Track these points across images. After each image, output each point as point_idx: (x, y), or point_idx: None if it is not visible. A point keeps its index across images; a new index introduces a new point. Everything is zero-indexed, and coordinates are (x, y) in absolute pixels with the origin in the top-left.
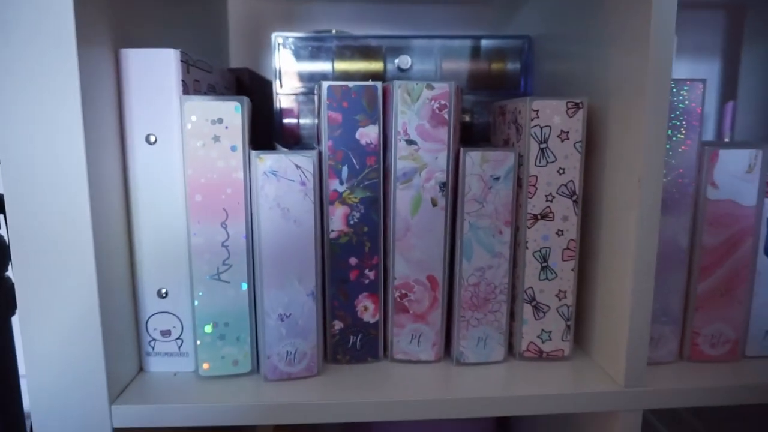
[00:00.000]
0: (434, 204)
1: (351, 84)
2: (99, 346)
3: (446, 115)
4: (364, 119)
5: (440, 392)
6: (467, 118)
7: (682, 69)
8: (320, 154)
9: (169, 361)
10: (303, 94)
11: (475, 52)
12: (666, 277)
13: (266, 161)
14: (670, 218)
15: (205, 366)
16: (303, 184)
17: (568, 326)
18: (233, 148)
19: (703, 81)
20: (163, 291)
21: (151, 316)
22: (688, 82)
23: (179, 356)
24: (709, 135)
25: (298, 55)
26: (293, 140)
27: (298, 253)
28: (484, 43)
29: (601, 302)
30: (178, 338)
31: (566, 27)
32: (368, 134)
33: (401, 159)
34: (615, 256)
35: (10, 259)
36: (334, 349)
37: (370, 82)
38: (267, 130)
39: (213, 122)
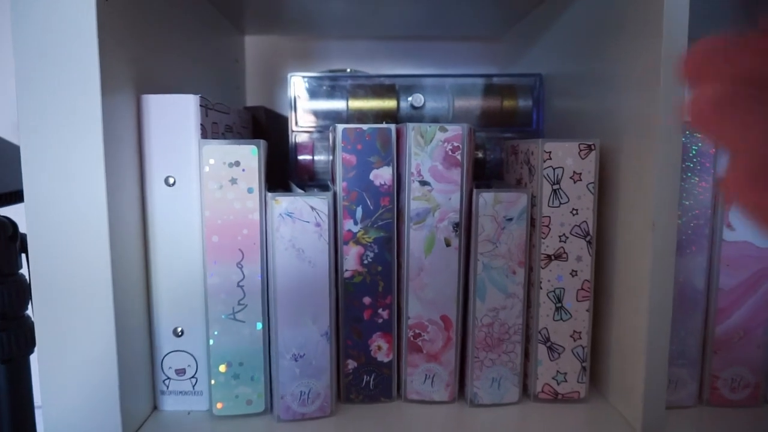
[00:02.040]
0: (447, 244)
1: (365, 126)
2: (115, 385)
3: (459, 157)
4: (378, 161)
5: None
6: (480, 155)
7: None
8: (335, 194)
9: (184, 399)
10: (318, 131)
11: (488, 90)
12: (683, 319)
13: (282, 203)
14: (685, 259)
15: (219, 405)
16: (318, 225)
17: (584, 368)
18: (250, 190)
19: None
20: (179, 330)
21: (167, 354)
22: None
23: (193, 395)
24: None
25: (312, 94)
26: (307, 176)
27: (313, 293)
28: (495, 80)
29: (617, 344)
30: (193, 377)
31: (576, 66)
32: (382, 175)
33: (415, 200)
34: (630, 297)
35: (30, 298)
36: (348, 388)
37: (383, 125)
38: (282, 167)
39: (230, 165)
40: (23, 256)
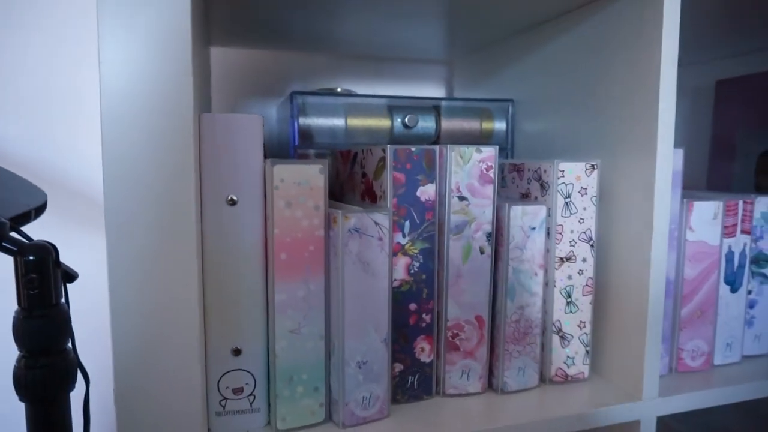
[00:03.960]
0: (482, 252)
1: (413, 147)
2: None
3: (492, 175)
4: (423, 178)
5: (494, 420)
6: None
7: None
8: (390, 210)
9: (240, 419)
10: (321, 148)
11: (468, 112)
12: None
13: (351, 219)
14: None
15: (283, 419)
16: (380, 239)
17: (587, 351)
18: (317, 208)
19: (681, 149)
20: (238, 348)
21: (224, 374)
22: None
23: (251, 413)
24: None
25: (313, 112)
26: None
27: (375, 303)
28: (475, 104)
29: (614, 329)
30: (251, 394)
31: (552, 90)
32: (427, 192)
33: (454, 213)
34: (628, 289)
35: (72, 332)
36: (395, 390)
37: (429, 146)
38: None
39: (299, 184)
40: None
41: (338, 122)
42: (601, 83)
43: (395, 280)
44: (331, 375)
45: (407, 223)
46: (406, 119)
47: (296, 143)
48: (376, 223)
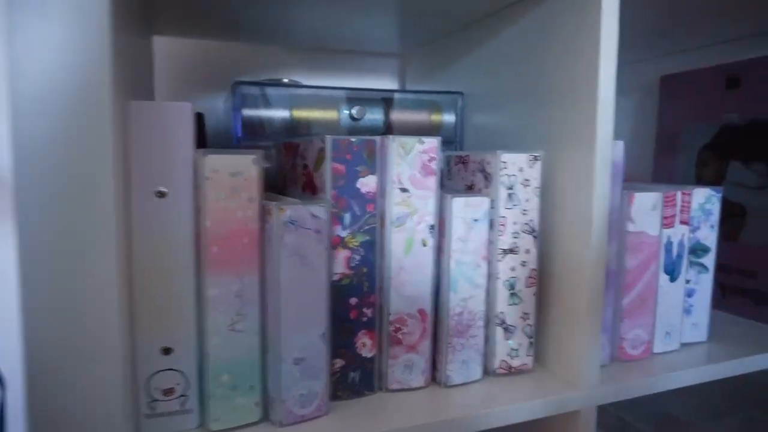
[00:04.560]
0: (424, 244)
1: (354, 138)
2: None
3: (434, 166)
4: (364, 170)
5: (437, 414)
6: None
7: None
8: (329, 202)
9: (171, 421)
10: (263, 139)
11: (417, 105)
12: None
13: (286, 212)
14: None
15: (217, 419)
16: (318, 231)
17: (531, 343)
18: (251, 200)
19: (621, 141)
20: (168, 347)
21: (153, 375)
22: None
23: (183, 414)
24: None
25: (257, 103)
26: None
27: (313, 298)
28: (424, 97)
29: (557, 319)
30: (182, 395)
31: (499, 83)
32: (368, 183)
33: (396, 205)
34: (570, 280)
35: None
36: (335, 386)
37: (369, 137)
38: None
39: (232, 175)
40: None
41: (283, 114)
42: (543, 76)
43: (335, 273)
44: (267, 372)
45: (347, 216)
46: (353, 111)
47: (240, 135)
48: (314, 216)
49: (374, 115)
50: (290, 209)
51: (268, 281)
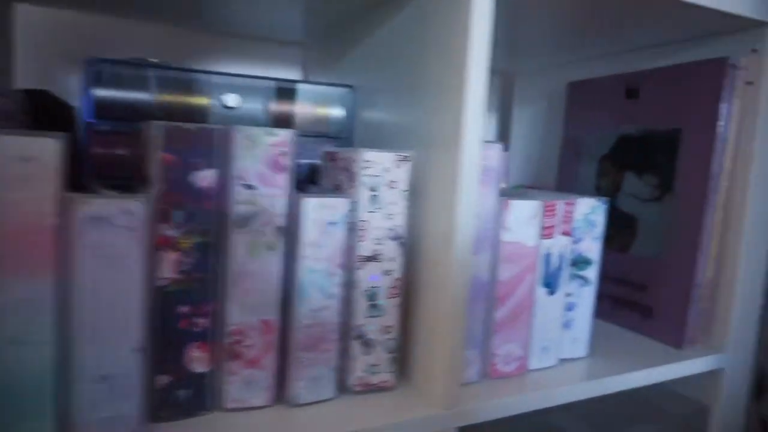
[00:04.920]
0: (271, 248)
1: (192, 126)
2: None
3: (285, 162)
4: (202, 162)
5: None
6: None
7: None
8: (150, 196)
9: None
10: (119, 124)
11: (303, 96)
12: (472, 308)
13: (89, 206)
14: (476, 257)
15: None
16: (132, 229)
17: (393, 358)
18: (47, 191)
19: (500, 143)
20: None
21: None
22: (491, 144)
23: None
24: None
25: (113, 82)
26: (105, 175)
27: (125, 306)
28: (311, 88)
29: (423, 334)
30: None
31: (387, 79)
32: (206, 177)
33: (239, 204)
34: (435, 291)
35: None
36: (158, 406)
37: (208, 125)
38: (73, 164)
39: (22, 160)
40: None
41: (143, 97)
42: (420, 72)
43: (161, 278)
44: (65, 393)
45: (179, 213)
46: (227, 99)
47: (90, 120)
48: (126, 212)
49: (253, 105)
50: (95, 203)
51: (68, 286)
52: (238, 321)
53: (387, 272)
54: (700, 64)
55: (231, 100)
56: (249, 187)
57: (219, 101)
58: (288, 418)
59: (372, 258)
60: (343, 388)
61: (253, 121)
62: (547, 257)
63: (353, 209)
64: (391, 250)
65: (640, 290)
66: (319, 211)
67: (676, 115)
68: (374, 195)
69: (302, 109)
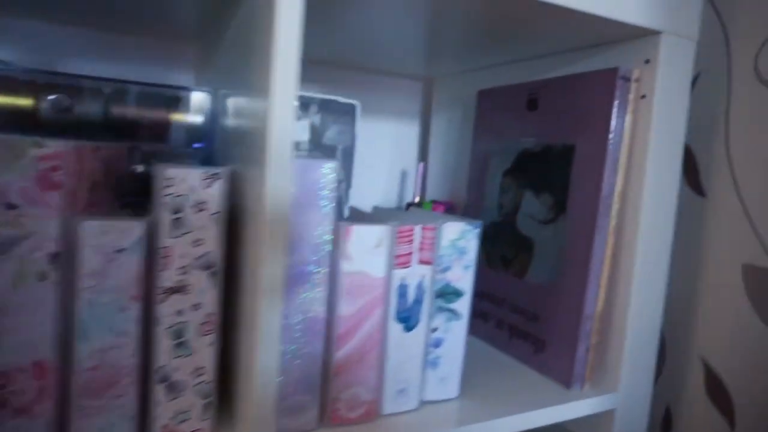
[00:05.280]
0: (43, 278)
1: None
2: None
3: (59, 178)
4: None
5: None
6: (141, 169)
7: (381, 129)
8: None
9: None
10: None
11: (154, 101)
12: (306, 348)
13: None
14: (307, 291)
15: None
16: None
17: (208, 404)
18: None
19: (333, 161)
20: None
21: None
22: (323, 165)
23: None
24: (407, 193)
25: None
26: None
27: None
28: (161, 91)
29: (240, 379)
30: None
31: (234, 82)
32: None
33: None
34: (245, 330)
35: None
36: None
37: None
38: None
39: None
40: None
41: None
42: (247, 73)
43: None
44: None
45: None
46: (53, 100)
47: None
48: None
49: (91, 109)
50: None
51: None
52: (3, 363)
53: (195, 306)
54: (592, 75)
55: (58, 101)
56: (12, 206)
57: (48, 103)
58: None
59: (176, 290)
60: None
61: (90, 127)
62: (402, 289)
63: (151, 234)
64: (200, 280)
65: (533, 320)
66: (101, 237)
67: (570, 130)
68: (178, 218)
69: (150, 113)
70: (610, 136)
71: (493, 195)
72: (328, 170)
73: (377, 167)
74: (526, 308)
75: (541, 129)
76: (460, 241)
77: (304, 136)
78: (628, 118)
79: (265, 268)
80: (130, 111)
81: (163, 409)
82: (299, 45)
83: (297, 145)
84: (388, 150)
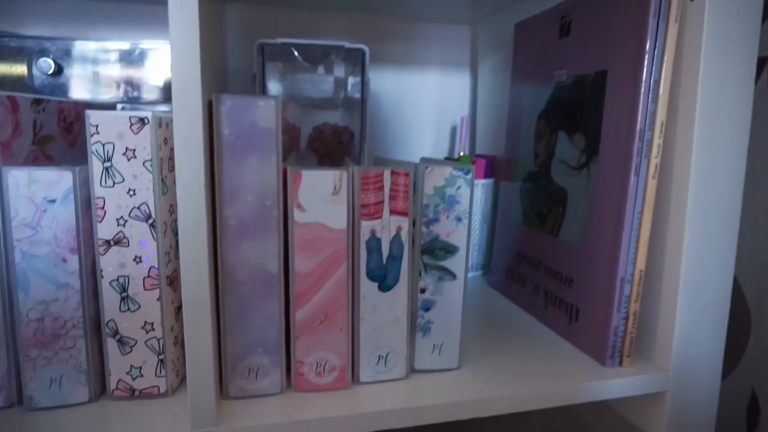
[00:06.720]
0: None
1: None
2: None
3: None
4: None
5: None
6: None
7: (431, 80)
8: None
9: None
10: None
11: (140, 59)
12: (259, 306)
13: None
14: (255, 242)
15: None
16: None
17: (161, 360)
18: None
19: (275, 98)
20: None
21: None
22: (261, 102)
23: None
24: (441, 150)
25: None
26: None
27: None
28: (151, 48)
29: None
30: None
31: None
32: None
33: None
34: (184, 285)
35: None
36: None
37: None
38: None
39: None
40: None
41: None
42: None
43: None
44: None
45: None
46: (38, 64)
47: None
48: None
49: (81, 71)
50: None
51: None
52: None
53: (137, 259)
54: None
55: (43, 66)
56: None
57: (38, 69)
58: (22, 423)
59: (115, 242)
60: (104, 392)
61: (85, 88)
62: (372, 243)
63: (83, 184)
64: (139, 232)
65: (567, 285)
66: (30, 187)
67: (603, 53)
68: (108, 166)
69: (141, 72)
70: (646, 49)
71: (528, 143)
72: (265, 108)
73: (427, 120)
74: (560, 271)
75: (573, 58)
76: (447, 188)
77: (328, 91)
78: (672, 29)
79: (185, 217)
80: (117, 71)
81: (116, 362)
82: None
83: (324, 103)
84: (437, 102)
